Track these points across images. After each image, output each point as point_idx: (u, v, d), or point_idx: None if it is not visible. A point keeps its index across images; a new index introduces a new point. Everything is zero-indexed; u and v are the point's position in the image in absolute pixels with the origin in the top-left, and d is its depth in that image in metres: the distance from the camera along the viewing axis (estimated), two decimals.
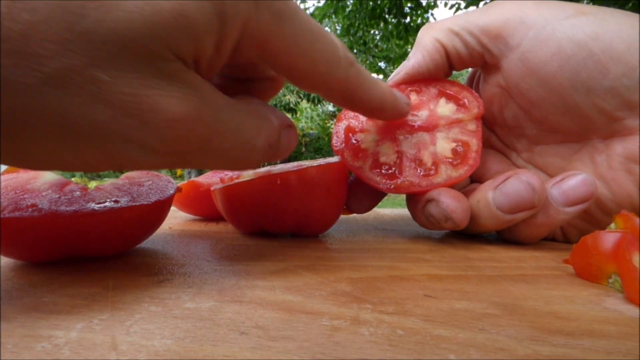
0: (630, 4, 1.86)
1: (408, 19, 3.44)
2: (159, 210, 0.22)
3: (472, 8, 2.46)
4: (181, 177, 5.87)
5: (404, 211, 0.43)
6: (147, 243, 0.26)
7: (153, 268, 0.20)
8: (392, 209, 0.44)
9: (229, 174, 0.35)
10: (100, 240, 0.20)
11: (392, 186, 0.26)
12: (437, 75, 0.29)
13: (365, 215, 0.40)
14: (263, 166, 0.32)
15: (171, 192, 0.23)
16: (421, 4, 3.39)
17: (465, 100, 0.28)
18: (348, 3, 3.49)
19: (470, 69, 0.32)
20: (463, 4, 2.87)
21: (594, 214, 0.26)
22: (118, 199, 0.21)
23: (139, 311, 0.15)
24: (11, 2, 0.11)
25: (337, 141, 0.29)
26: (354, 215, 0.39)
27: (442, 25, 0.28)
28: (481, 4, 2.51)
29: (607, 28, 0.23)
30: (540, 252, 0.25)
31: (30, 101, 0.12)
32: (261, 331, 0.13)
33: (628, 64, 0.23)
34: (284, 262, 0.21)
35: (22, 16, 0.11)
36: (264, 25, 0.15)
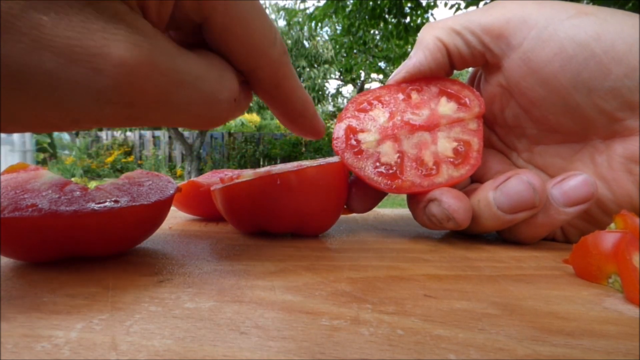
0: (630, 4, 1.86)
1: (408, 19, 3.44)
2: (159, 210, 0.22)
3: (472, 8, 2.46)
4: (181, 177, 5.88)
5: (404, 211, 0.43)
6: (147, 243, 0.26)
7: (153, 268, 0.20)
8: (392, 209, 0.44)
9: (229, 174, 0.35)
10: (100, 240, 0.20)
11: (393, 186, 0.26)
12: (439, 74, 0.29)
13: (365, 215, 0.40)
14: (263, 166, 0.32)
15: (171, 192, 0.23)
16: (421, 4, 3.39)
17: (467, 99, 0.28)
18: (348, 3, 3.49)
19: (471, 69, 0.32)
20: (463, 4, 2.87)
21: (594, 215, 0.26)
22: (118, 199, 0.21)
23: (139, 311, 0.15)
24: None
25: (337, 141, 0.28)
26: (354, 215, 0.39)
27: (443, 25, 0.28)
28: (481, 4, 2.50)
29: (609, 29, 0.23)
30: (540, 252, 0.25)
31: None
32: (261, 331, 0.13)
33: (629, 65, 0.23)
34: (284, 262, 0.21)
35: None
36: None
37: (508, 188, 0.24)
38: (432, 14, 3.49)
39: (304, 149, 6.34)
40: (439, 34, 0.28)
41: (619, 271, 0.18)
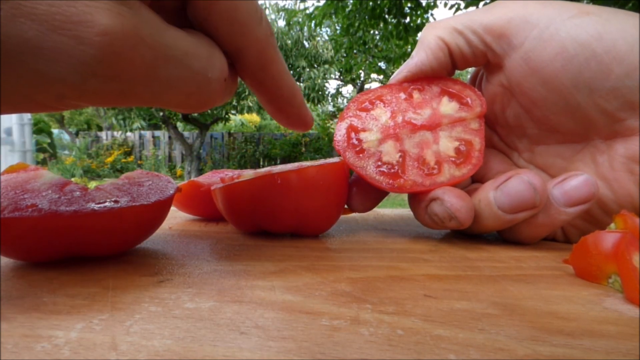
0: (630, 4, 1.86)
1: (408, 19, 3.44)
2: (159, 210, 0.22)
3: (472, 8, 2.46)
4: (181, 177, 5.88)
5: (404, 211, 0.43)
6: (147, 243, 0.26)
7: (153, 268, 0.20)
8: (392, 209, 0.44)
9: (229, 173, 0.35)
10: (100, 240, 0.20)
11: (395, 185, 0.26)
12: (440, 73, 0.29)
13: (365, 215, 0.40)
14: (263, 166, 0.32)
15: (171, 192, 0.23)
16: (421, 4, 3.39)
17: (468, 99, 0.28)
18: (348, 3, 3.49)
19: (472, 68, 0.32)
20: (463, 4, 2.87)
21: (595, 215, 0.26)
22: (118, 199, 0.21)
23: (139, 311, 0.15)
24: None
25: (339, 141, 0.28)
26: (354, 215, 0.39)
27: (445, 24, 0.28)
28: (481, 4, 2.50)
29: (610, 28, 0.23)
30: (540, 252, 0.25)
31: None
32: (261, 331, 0.13)
33: (630, 65, 0.23)
34: (284, 262, 0.21)
35: None
36: None
37: (509, 188, 0.24)
38: (432, 14, 3.49)
39: (304, 149, 6.34)
40: (441, 33, 0.28)
41: (619, 271, 0.18)
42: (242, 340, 0.13)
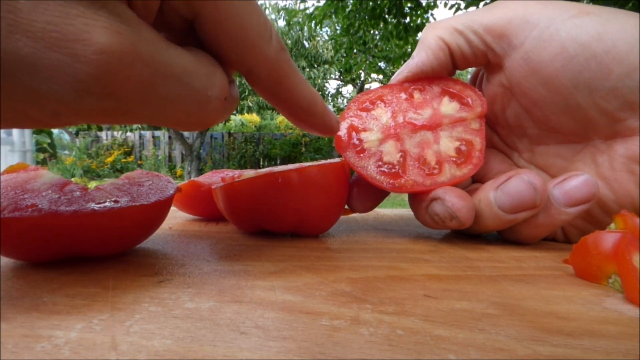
0: (630, 4, 1.86)
1: (408, 19, 3.44)
2: (159, 210, 0.22)
3: (472, 8, 2.46)
4: (181, 177, 5.88)
5: (404, 211, 0.43)
6: (147, 243, 0.26)
7: (153, 268, 0.20)
8: (392, 209, 0.44)
9: (229, 173, 0.35)
10: (100, 240, 0.20)
11: (396, 185, 0.26)
12: (441, 74, 0.29)
13: (365, 215, 0.40)
14: (263, 166, 0.32)
15: (171, 192, 0.23)
16: (421, 4, 3.39)
17: (469, 99, 0.28)
18: (348, 3, 3.49)
19: (472, 68, 0.32)
20: (463, 4, 2.87)
21: (595, 215, 0.26)
22: (118, 199, 0.21)
23: (139, 311, 0.15)
24: None
25: (339, 141, 0.28)
26: (354, 215, 0.39)
27: (446, 24, 0.28)
28: (481, 4, 2.50)
29: (610, 28, 0.23)
30: (540, 252, 0.25)
31: None
32: (261, 331, 0.13)
33: (630, 65, 0.23)
34: (284, 262, 0.21)
35: None
36: None
37: (509, 188, 0.24)
38: (432, 14, 3.49)
39: (304, 149, 6.34)
40: (442, 33, 0.28)
41: (619, 271, 0.18)
42: (242, 340, 0.13)
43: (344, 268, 0.20)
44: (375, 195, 0.29)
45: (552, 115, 0.26)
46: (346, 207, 0.30)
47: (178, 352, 0.12)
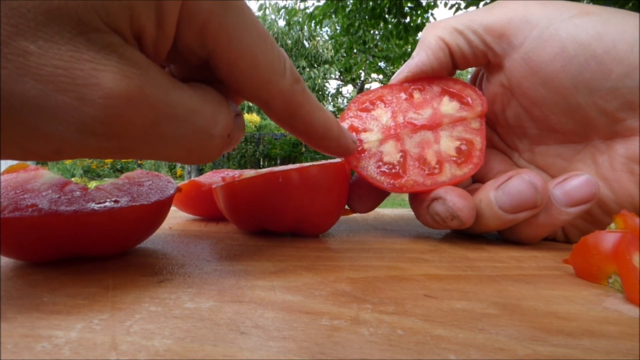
0: (630, 4, 1.86)
1: (408, 19, 3.44)
2: (159, 210, 0.22)
3: (472, 8, 2.45)
4: (181, 177, 5.88)
5: (404, 211, 0.43)
6: (147, 243, 0.26)
7: (153, 268, 0.20)
8: (392, 209, 0.44)
9: (229, 173, 0.35)
10: (100, 240, 0.20)
11: (396, 185, 0.26)
12: (441, 73, 0.29)
13: (365, 215, 0.40)
14: (263, 166, 0.32)
15: (171, 192, 0.23)
16: (421, 4, 3.39)
17: (469, 99, 0.28)
18: (348, 3, 3.49)
19: (472, 68, 0.32)
20: (463, 4, 2.87)
21: (595, 215, 0.26)
22: (118, 199, 0.21)
23: (139, 311, 0.15)
24: None
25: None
26: (354, 215, 0.39)
27: (446, 24, 0.28)
28: (481, 4, 2.50)
29: (610, 29, 0.23)
30: (540, 252, 0.25)
31: None
32: (261, 331, 0.13)
33: (630, 65, 0.23)
34: (284, 262, 0.21)
35: None
36: (204, 6, 0.14)
37: (510, 187, 0.24)
38: (432, 14, 3.49)
39: (304, 149, 6.34)
40: (442, 33, 0.28)
41: (619, 271, 0.18)
42: (242, 340, 0.13)
43: (344, 268, 0.20)
44: (375, 195, 0.29)
45: (552, 115, 0.26)
46: (346, 207, 0.30)
47: (178, 352, 0.12)
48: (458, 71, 0.30)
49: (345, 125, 0.29)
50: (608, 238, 0.18)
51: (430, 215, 0.26)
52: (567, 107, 0.25)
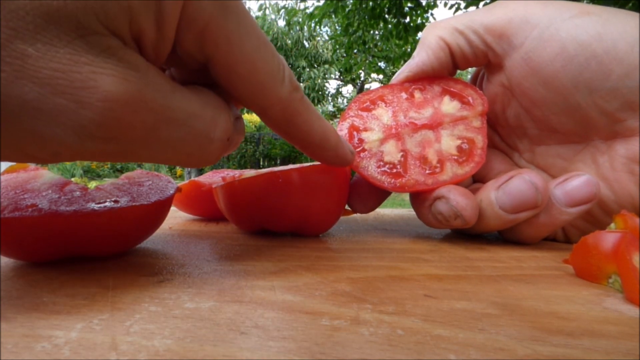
0: (630, 4, 1.86)
1: (408, 19, 3.44)
2: (159, 210, 0.22)
3: (472, 8, 2.45)
4: (181, 177, 5.87)
5: (404, 211, 0.43)
6: (147, 243, 0.26)
7: (153, 268, 0.20)
8: (392, 209, 0.44)
9: (230, 173, 0.35)
10: (100, 240, 0.20)
11: (397, 185, 0.26)
12: (441, 73, 0.29)
13: (365, 215, 0.40)
14: (263, 166, 0.32)
15: (171, 192, 0.23)
16: (421, 4, 3.39)
17: (470, 98, 0.28)
18: (348, 2, 3.49)
19: (472, 68, 0.32)
20: (463, 4, 2.87)
21: (595, 215, 0.26)
22: (118, 199, 0.21)
23: (139, 311, 0.15)
24: None
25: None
26: (354, 215, 0.39)
27: (446, 24, 0.28)
28: (481, 4, 2.50)
29: (611, 29, 0.23)
30: (540, 252, 0.25)
31: None
32: (261, 331, 0.13)
33: (631, 65, 0.23)
34: (284, 262, 0.21)
35: None
36: (205, 10, 0.14)
37: (510, 187, 0.24)
38: (432, 14, 3.49)
39: None
40: (442, 33, 0.28)
41: (619, 271, 0.18)
42: (242, 340, 0.13)
43: (344, 268, 0.20)
44: (376, 195, 0.29)
45: (553, 115, 0.26)
46: (347, 207, 0.30)
47: (178, 352, 0.12)
48: (458, 71, 0.30)
49: (346, 124, 0.29)
50: (608, 238, 0.18)
51: (433, 215, 0.26)
52: (567, 107, 0.25)
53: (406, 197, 0.29)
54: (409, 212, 0.42)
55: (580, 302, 0.16)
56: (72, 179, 0.24)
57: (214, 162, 0.17)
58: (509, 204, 0.24)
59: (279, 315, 0.15)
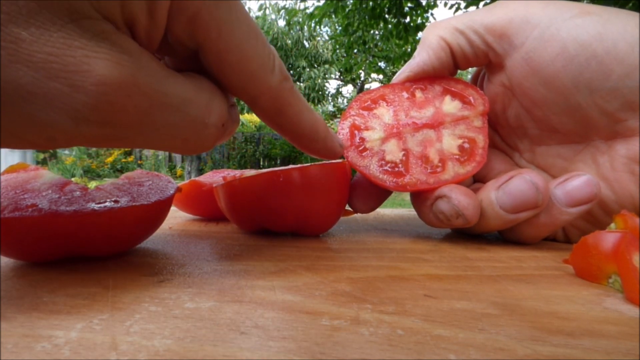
0: (630, 4, 1.86)
1: (408, 19, 3.44)
2: (159, 210, 0.22)
3: (472, 8, 2.45)
4: (181, 177, 5.88)
5: (404, 211, 0.43)
6: (147, 243, 0.26)
7: (153, 268, 0.20)
8: (392, 209, 0.44)
9: (230, 173, 0.35)
10: (100, 240, 0.20)
11: (399, 184, 0.26)
12: (442, 73, 0.29)
13: (365, 215, 0.40)
14: (263, 166, 0.32)
15: (171, 192, 0.23)
16: (421, 3, 3.39)
17: (471, 98, 0.28)
18: (348, 2, 3.49)
19: (473, 69, 0.32)
20: (463, 4, 2.87)
21: (596, 215, 0.26)
22: (118, 199, 0.21)
23: (139, 311, 0.15)
24: None
25: (341, 140, 0.28)
26: (354, 215, 0.39)
27: (447, 24, 0.28)
28: (481, 4, 2.50)
29: (611, 29, 0.23)
30: (540, 252, 0.25)
31: None
32: (261, 331, 0.13)
33: (631, 65, 0.23)
34: (284, 262, 0.21)
35: None
36: None
37: (511, 187, 0.24)
38: (432, 14, 3.49)
39: None
40: (443, 33, 0.28)
41: (619, 271, 0.18)
42: (242, 340, 0.13)
43: (344, 268, 0.20)
44: (377, 195, 0.29)
45: (553, 115, 0.26)
46: (347, 207, 0.30)
47: (178, 352, 0.12)
48: (459, 71, 0.30)
49: (347, 123, 0.29)
50: (608, 238, 0.18)
51: (434, 214, 0.26)
52: (567, 107, 0.25)
53: (406, 196, 0.29)
54: (409, 212, 0.42)
55: (580, 302, 0.16)
56: (72, 179, 0.24)
57: (209, 148, 0.17)
58: (510, 204, 0.24)
59: (279, 315, 0.15)
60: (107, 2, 0.13)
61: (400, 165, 0.27)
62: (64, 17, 0.12)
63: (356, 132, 0.28)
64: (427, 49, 0.28)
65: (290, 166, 0.29)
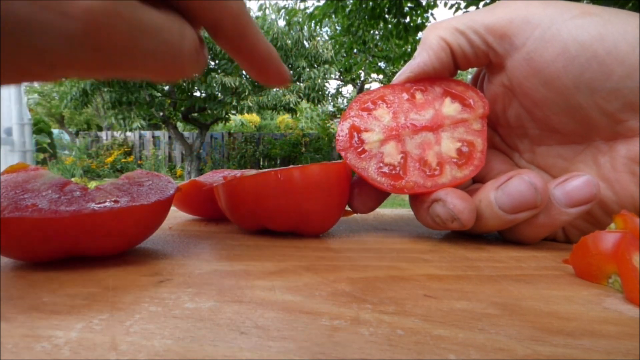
0: (630, 4, 1.86)
1: (408, 19, 3.44)
2: (159, 210, 0.22)
3: (472, 8, 2.45)
4: (181, 177, 5.88)
5: (404, 211, 0.43)
6: (147, 243, 0.26)
7: (153, 268, 0.20)
8: (392, 209, 0.44)
9: (230, 173, 0.35)
10: (100, 240, 0.20)
11: (396, 187, 0.26)
12: (443, 74, 0.29)
13: (365, 215, 0.40)
14: (263, 166, 0.32)
15: (171, 192, 0.23)
16: (421, 3, 3.38)
17: (471, 100, 0.28)
18: (348, 3, 3.49)
19: (473, 69, 0.32)
20: (463, 4, 2.87)
21: (596, 215, 0.26)
22: (118, 199, 0.21)
23: (139, 311, 0.15)
24: None
25: (341, 140, 0.28)
26: (354, 215, 0.39)
27: (447, 24, 0.28)
28: (481, 4, 2.50)
29: (612, 29, 0.23)
30: (540, 252, 0.25)
31: None
32: (261, 331, 0.13)
33: (632, 66, 0.23)
34: (284, 262, 0.21)
35: None
36: None
37: (510, 188, 0.24)
38: (432, 14, 3.49)
39: (303, 149, 6.34)
40: (443, 33, 0.28)
41: (619, 271, 0.18)
42: (242, 340, 0.13)
43: (344, 268, 0.20)
44: (376, 196, 0.29)
45: (554, 116, 0.26)
46: (347, 208, 0.30)
47: (178, 352, 0.12)
48: (459, 71, 0.30)
49: (346, 124, 0.29)
50: (608, 238, 0.18)
51: (431, 217, 0.26)
52: (568, 108, 0.25)
53: (406, 197, 0.29)
54: (409, 212, 0.42)
55: (580, 302, 0.16)
56: (72, 179, 0.24)
57: (188, 74, 0.19)
58: (508, 204, 0.24)
59: (279, 315, 0.15)
60: None
61: (398, 168, 0.27)
62: None
63: (355, 133, 0.28)
64: (428, 49, 0.28)
65: (290, 166, 0.29)
